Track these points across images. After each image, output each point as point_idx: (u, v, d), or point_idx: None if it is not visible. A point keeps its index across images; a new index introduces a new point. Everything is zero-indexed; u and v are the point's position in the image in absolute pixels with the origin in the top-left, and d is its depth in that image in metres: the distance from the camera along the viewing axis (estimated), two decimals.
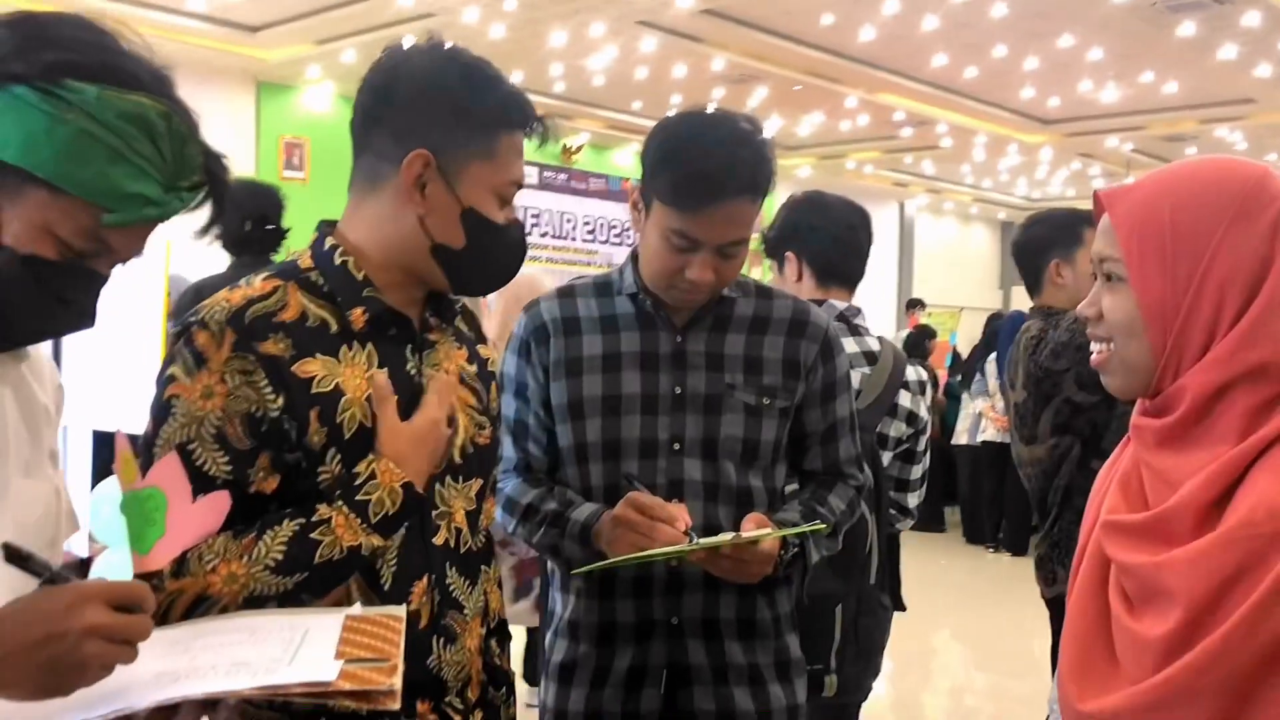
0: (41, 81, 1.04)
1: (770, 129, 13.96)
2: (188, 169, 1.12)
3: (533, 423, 1.88)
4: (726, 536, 1.65)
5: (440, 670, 1.45)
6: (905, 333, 10.53)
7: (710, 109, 1.83)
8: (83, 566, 3.48)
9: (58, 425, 1.28)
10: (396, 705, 1.07)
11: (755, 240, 1.99)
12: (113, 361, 2.84)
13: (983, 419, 8.63)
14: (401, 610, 1.24)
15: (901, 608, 2.75)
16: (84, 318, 1.15)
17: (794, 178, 16.21)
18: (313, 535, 1.33)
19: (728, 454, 1.81)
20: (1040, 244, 2.89)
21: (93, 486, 3.18)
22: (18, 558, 1.07)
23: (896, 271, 18.26)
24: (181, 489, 1.26)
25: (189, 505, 1.26)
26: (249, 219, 3.27)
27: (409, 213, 1.43)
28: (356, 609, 1.23)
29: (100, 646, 0.97)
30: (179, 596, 1.30)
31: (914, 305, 12.23)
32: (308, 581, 1.33)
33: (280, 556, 1.31)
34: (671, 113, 1.81)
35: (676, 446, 1.81)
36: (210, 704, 1.05)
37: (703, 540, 1.64)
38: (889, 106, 12.50)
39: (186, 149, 1.12)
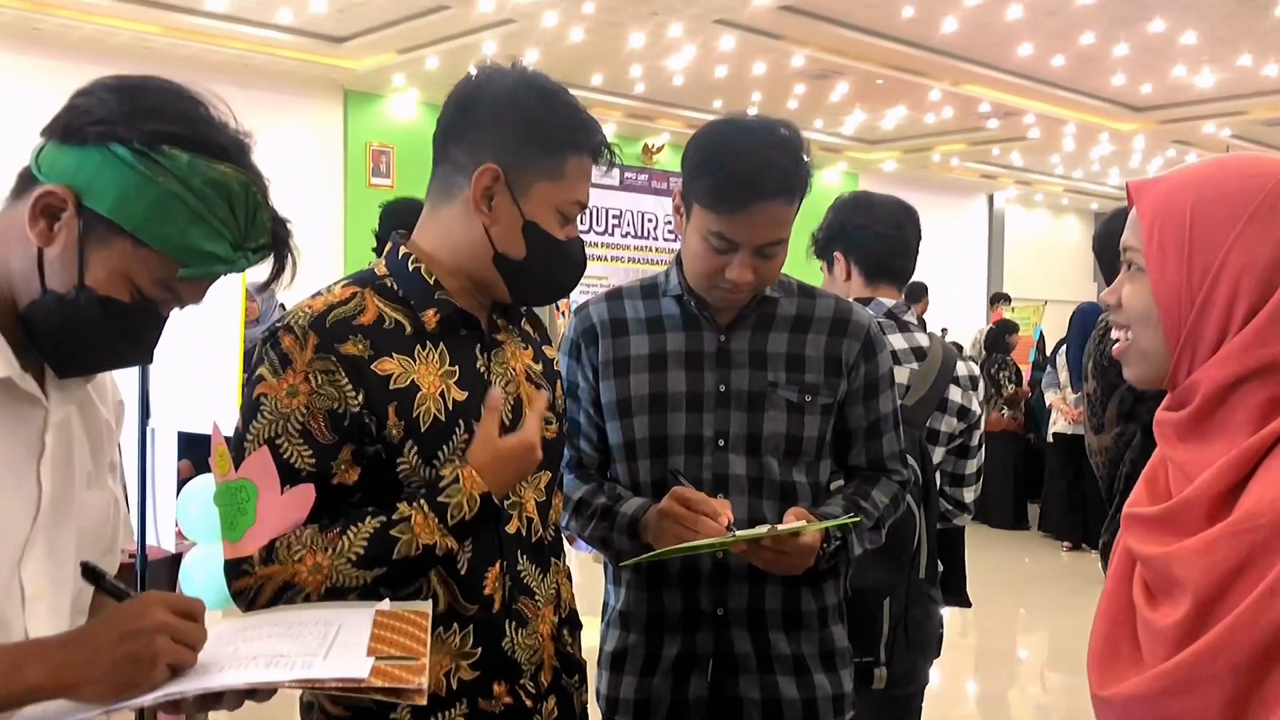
0: (141, 145, 1.15)
1: (853, 124, 13.88)
2: (257, 232, 1.23)
3: (584, 421, 1.95)
4: (764, 529, 1.70)
5: (514, 653, 1.54)
6: (987, 328, 10.38)
7: (748, 114, 1.88)
8: (173, 562, 3.65)
9: (118, 438, 1.39)
10: (424, 701, 1.15)
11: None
12: (195, 366, 2.98)
13: (1054, 411, 8.49)
14: (427, 606, 1.33)
15: (966, 603, 2.75)
16: (144, 354, 1.27)
17: (879, 172, 16.06)
18: (392, 532, 1.41)
19: (771, 450, 1.86)
20: (1118, 236, 2.87)
21: (179, 485, 3.35)
22: (93, 576, 1.20)
23: (986, 265, 17.97)
24: (271, 481, 1.39)
25: (277, 496, 1.39)
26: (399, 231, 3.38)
27: (477, 222, 1.52)
28: (385, 605, 1.32)
29: (168, 643, 1.09)
30: (268, 582, 1.40)
31: (998, 300, 12.04)
32: (386, 577, 1.42)
33: (361, 551, 1.40)
34: (756, 113, 1.86)
35: (721, 443, 1.86)
36: (251, 690, 1.14)
37: (742, 532, 1.69)
38: (974, 98, 12.32)
39: (258, 215, 1.23)
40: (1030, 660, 6.51)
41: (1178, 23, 9.68)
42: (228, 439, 1.44)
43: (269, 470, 1.40)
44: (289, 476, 1.41)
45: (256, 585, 1.40)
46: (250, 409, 1.45)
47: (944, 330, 13.77)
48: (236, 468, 1.41)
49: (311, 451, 1.43)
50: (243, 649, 1.17)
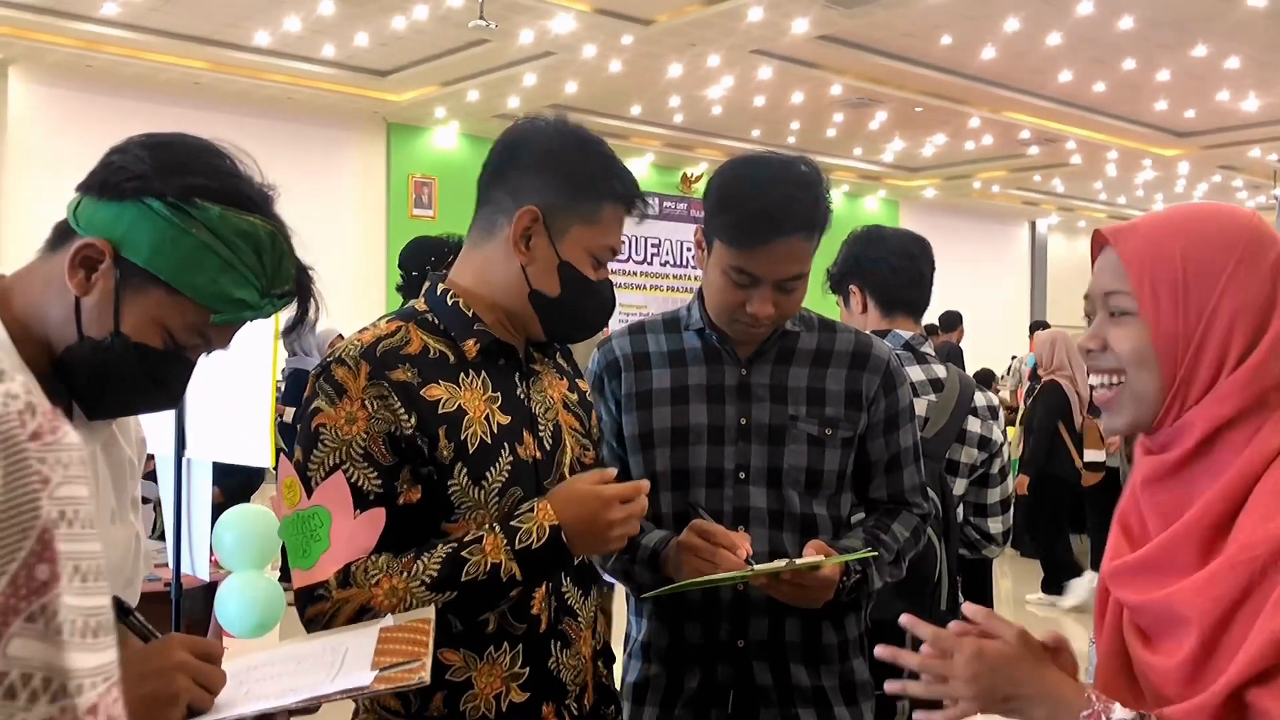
0: (174, 199, 1.21)
1: (893, 151, 13.87)
2: (282, 279, 1.29)
3: (606, 454, 1.97)
4: (783, 562, 1.71)
5: (559, 673, 1.60)
6: (1029, 356, 10.29)
7: (769, 152, 1.90)
8: (208, 591, 3.71)
9: (140, 476, 1.44)
10: (427, 683, 1.23)
11: None
12: (228, 399, 3.05)
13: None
14: (430, 611, 1.38)
15: None
16: (172, 399, 1.33)
17: (919, 199, 16.03)
18: (463, 553, 1.48)
19: (792, 483, 1.87)
20: None
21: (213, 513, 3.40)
22: (121, 611, 1.25)
23: (1029, 292, 17.84)
24: (345, 507, 1.45)
25: (351, 521, 1.45)
26: (409, 268, 3.45)
27: (515, 260, 1.60)
28: (388, 620, 1.36)
29: (188, 683, 1.14)
30: (344, 605, 1.46)
31: (1037, 328, 11.94)
32: (457, 602, 1.47)
33: (435, 573, 1.47)
34: (795, 142, 1.89)
35: (742, 475, 1.88)
36: (263, 718, 1.18)
37: (761, 566, 1.71)
38: (1015, 125, 12.29)
39: (283, 263, 1.28)
40: None
41: (1221, 48, 9.61)
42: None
43: (344, 496, 1.45)
44: (358, 500, 1.47)
45: (333, 609, 1.45)
46: (310, 439, 1.50)
47: (1014, 359, 13.62)
48: (309, 496, 1.46)
49: (377, 474, 1.49)
50: (255, 689, 1.21)
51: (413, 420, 1.50)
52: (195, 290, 1.22)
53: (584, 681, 1.63)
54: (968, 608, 1.26)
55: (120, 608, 1.26)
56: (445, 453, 1.51)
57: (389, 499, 1.49)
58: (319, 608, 1.46)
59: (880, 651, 1.26)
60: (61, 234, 1.25)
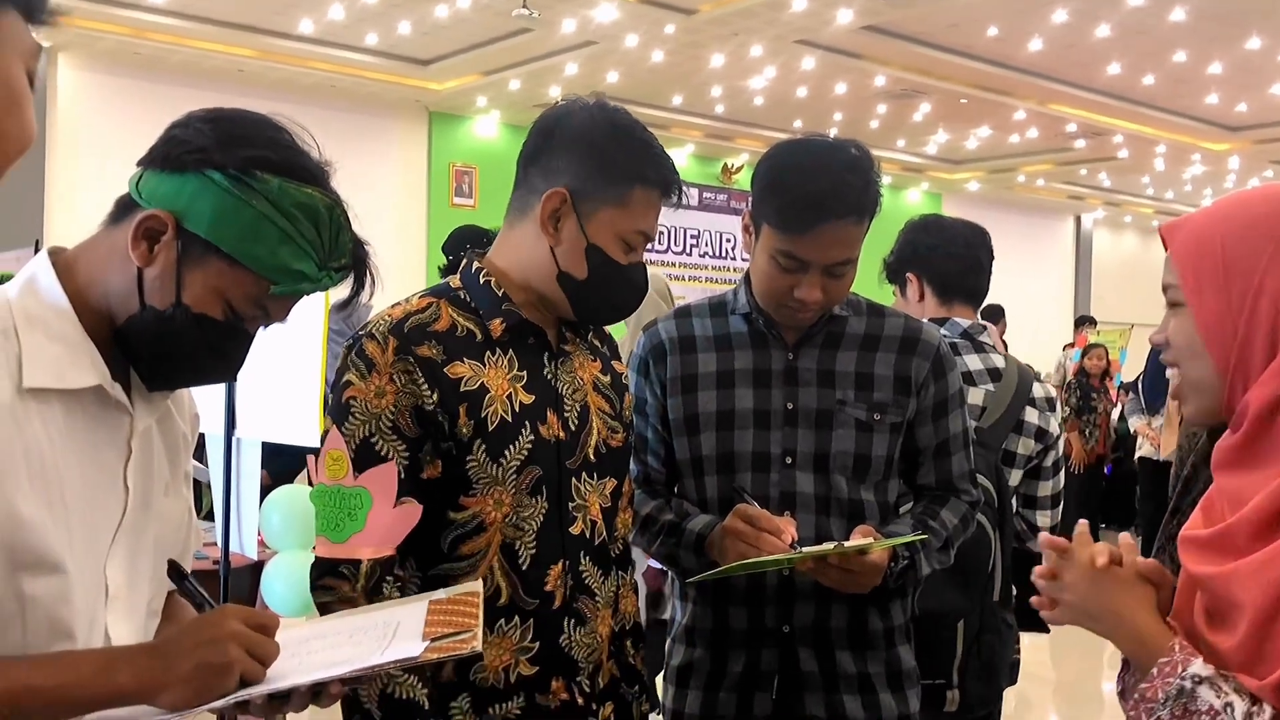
0: (236, 171, 1.22)
1: (936, 144, 13.72)
2: (339, 252, 1.30)
3: (652, 437, 1.97)
4: (830, 546, 1.70)
5: (571, 650, 1.61)
6: (1076, 351, 10.20)
7: (819, 136, 1.89)
8: (255, 569, 3.75)
9: (192, 450, 1.46)
10: (479, 653, 1.25)
11: None
12: (278, 379, 3.07)
13: (1140, 437, 8.38)
14: (478, 585, 1.39)
15: (1044, 628, 2.70)
16: (231, 372, 1.34)
17: (963, 192, 15.88)
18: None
19: (839, 468, 1.86)
20: None
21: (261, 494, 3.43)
22: (177, 575, 1.26)
23: (1072, 288, 17.64)
24: (388, 496, 1.49)
25: (390, 510, 1.49)
26: (450, 254, 3.50)
27: (545, 241, 1.62)
28: (439, 594, 1.37)
29: (241, 653, 1.15)
30: (352, 605, 1.47)
31: (1082, 323, 11.80)
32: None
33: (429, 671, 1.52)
34: (837, 133, 1.88)
35: (789, 460, 1.86)
36: (315, 692, 1.19)
37: (807, 549, 1.70)
38: (1061, 118, 12.14)
39: (341, 236, 1.29)
40: (1111, 692, 6.34)
41: (1276, 40, 9.44)
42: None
43: (390, 485, 1.49)
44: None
45: (345, 597, 1.49)
46: (341, 411, 1.55)
47: (1064, 350, 13.51)
48: (355, 475, 1.49)
49: (404, 446, 1.53)
50: (307, 660, 1.21)
51: (435, 396, 1.53)
52: (255, 261, 1.24)
53: (598, 660, 1.64)
54: (1123, 537, 1.30)
55: (177, 572, 1.28)
56: (465, 429, 1.54)
57: (414, 471, 1.53)
58: (334, 582, 1.49)
59: (1043, 537, 1.33)
60: (124, 207, 1.26)
